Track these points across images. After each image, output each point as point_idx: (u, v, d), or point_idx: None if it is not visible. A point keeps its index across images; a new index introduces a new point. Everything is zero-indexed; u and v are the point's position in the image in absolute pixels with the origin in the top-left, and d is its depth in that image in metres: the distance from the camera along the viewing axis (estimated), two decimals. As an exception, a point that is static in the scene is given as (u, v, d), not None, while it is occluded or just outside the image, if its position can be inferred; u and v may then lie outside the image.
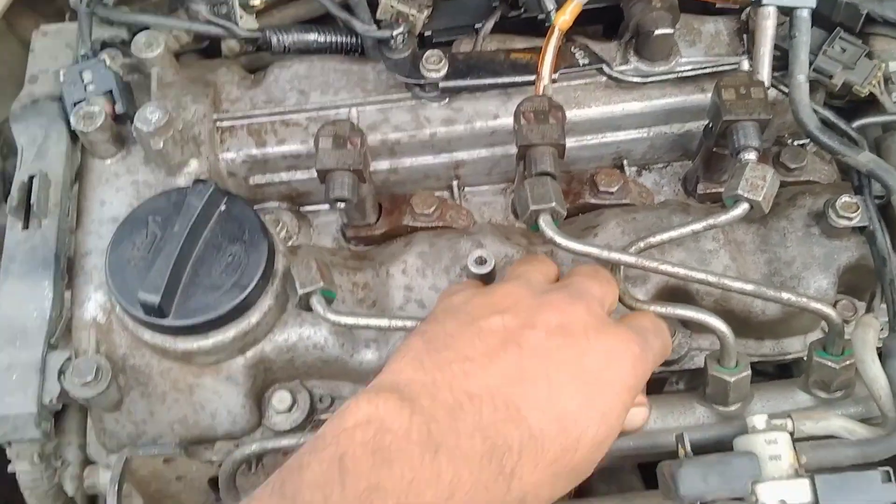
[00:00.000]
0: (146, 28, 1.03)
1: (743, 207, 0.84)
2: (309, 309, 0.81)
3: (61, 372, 0.83)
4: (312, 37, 1.07)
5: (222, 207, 0.87)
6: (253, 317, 0.85)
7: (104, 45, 1.07)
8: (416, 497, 0.59)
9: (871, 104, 1.00)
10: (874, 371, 0.77)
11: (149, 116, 0.90)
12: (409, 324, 0.82)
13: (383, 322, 0.81)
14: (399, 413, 0.62)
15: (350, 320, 0.81)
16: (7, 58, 1.24)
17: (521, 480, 0.63)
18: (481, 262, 0.89)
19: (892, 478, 0.70)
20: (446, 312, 0.73)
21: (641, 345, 0.72)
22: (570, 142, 1.02)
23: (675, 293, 0.91)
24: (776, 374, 1.01)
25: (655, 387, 1.01)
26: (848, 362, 0.82)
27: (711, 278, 0.82)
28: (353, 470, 0.59)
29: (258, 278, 0.84)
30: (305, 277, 0.81)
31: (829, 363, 0.83)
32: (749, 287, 0.82)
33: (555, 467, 0.65)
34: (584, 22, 1.10)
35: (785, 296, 0.81)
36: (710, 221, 0.85)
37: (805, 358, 0.87)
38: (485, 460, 0.62)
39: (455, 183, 1.06)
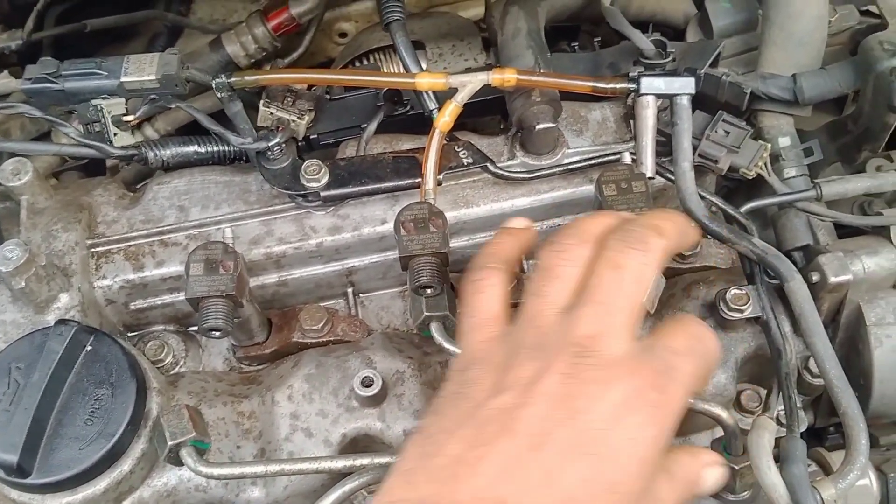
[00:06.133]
0: (14, 155, 0.99)
1: (629, 309, 0.81)
2: (178, 462, 0.76)
3: (-81, 544, 0.78)
4: (192, 149, 1.03)
5: (88, 347, 0.83)
6: (125, 465, 0.80)
7: (-25, 172, 1.03)
8: None
9: (765, 183, 0.99)
10: (771, 478, 0.74)
11: (8, 255, 0.85)
12: (286, 467, 0.77)
13: (259, 469, 0.76)
14: None
15: (224, 471, 0.76)
16: None
17: None
18: (368, 383, 0.86)
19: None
20: (453, 396, 0.67)
21: (662, 384, 0.63)
22: (462, 241, 1.00)
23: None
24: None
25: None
26: (747, 463, 0.79)
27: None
28: None
29: (126, 423, 0.79)
30: (176, 427, 0.76)
31: (730, 464, 0.80)
32: None
33: None
34: (479, 113, 1.10)
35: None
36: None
37: (710, 457, 0.84)
38: None
39: (350, 290, 1.03)
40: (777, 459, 0.76)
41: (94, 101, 0.97)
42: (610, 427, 0.61)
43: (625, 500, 0.60)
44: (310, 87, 1.06)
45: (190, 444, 0.76)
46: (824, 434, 1.06)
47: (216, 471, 0.76)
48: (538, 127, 0.95)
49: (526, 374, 0.64)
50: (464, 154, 0.98)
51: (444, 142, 0.96)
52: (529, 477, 0.59)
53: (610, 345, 0.64)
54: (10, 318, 0.90)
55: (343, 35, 1.41)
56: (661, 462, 0.64)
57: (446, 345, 0.82)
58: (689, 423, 0.90)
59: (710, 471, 0.69)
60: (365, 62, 1.24)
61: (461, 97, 0.93)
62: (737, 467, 0.81)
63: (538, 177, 0.97)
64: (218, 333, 0.85)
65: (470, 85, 0.94)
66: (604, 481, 0.60)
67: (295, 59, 1.29)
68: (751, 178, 0.95)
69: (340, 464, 0.77)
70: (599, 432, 0.61)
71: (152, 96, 0.96)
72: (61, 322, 0.83)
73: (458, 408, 0.65)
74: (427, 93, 0.98)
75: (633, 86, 0.93)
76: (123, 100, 0.97)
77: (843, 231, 1.00)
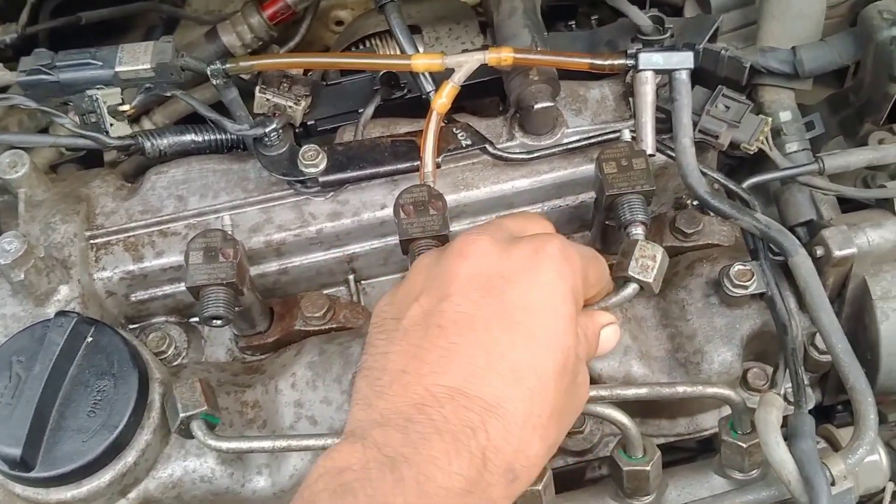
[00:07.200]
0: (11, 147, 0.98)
1: (633, 288, 0.80)
2: (189, 435, 0.76)
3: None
4: (189, 137, 1.02)
5: (89, 339, 0.82)
6: (129, 457, 0.80)
7: (-28, 166, 1.02)
8: None
9: (767, 158, 0.98)
10: (780, 454, 0.73)
11: (6, 247, 0.85)
12: (293, 443, 0.77)
13: (266, 444, 0.76)
14: (352, 453, 0.62)
15: (232, 445, 0.76)
16: None
17: (498, 452, 0.62)
18: (371, 368, 0.85)
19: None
20: (377, 330, 0.71)
21: (559, 244, 0.70)
22: (464, 224, 0.99)
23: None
24: (698, 450, 0.97)
25: (576, 476, 0.96)
26: (755, 441, 0.78)
27: (603, 392, 0.78)
28: None
29: (129, 415, 0.79)
30: (188, 399, 0.76)
31: (738, 442, 0.80)
32: (643, 391, 0.79)
33: (532, 420, 0.63)
34: (477, 95, 1.08)
35: (680, 389, 0.78)
36: (601, 304, 0.81)
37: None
38: (452, 453, 0.60)
39: (351, 277, 1.02)
40: (785, 437, 0.76)
41: (89, 92, 0.96)
42: (528, 291, 0.66)
43: (567, 356, 0.65)
44: (306, 73, 1.05)
45: (201, 417, 0.76)
46: (832, 412, 1.05)
47: (224, 444, 0.76)
48: (536, 106, 0.94)
49: (435, 271, 0.69)
50: (462, 136, 0.97)
51: (443, 124, 0.95)
52: (472, 360, 0.63)
53: (501, 233, 0.72)
54: (11, 311, 0.90)
55: (339, 23, 1.41)
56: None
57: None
58: (697, 402, 0.90)
59: (607, 330, 0.75)
60: (361, 48, 1.23)
61: (458, 77, 0.92)
62: (745, 446, 0.80)
63: (538, 157, 0.96)
64: (219, 322, 0.84)
65: (467, 65, 0.93)
66: (542, 341, 0.64)
67: (291, 48, 1.28)
68: (752, 153, 0.94)
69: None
70: (519, 298, 0.66)
71: (148, 85, 0.96)
72: (61, 314, 0.82)
73: (385, 331, 0.69)
74: (424, 75, 0.97)
75: (631, 62, 0.92)
76: (119, 90, 0.96)
77: (847, 206, 0.99)
